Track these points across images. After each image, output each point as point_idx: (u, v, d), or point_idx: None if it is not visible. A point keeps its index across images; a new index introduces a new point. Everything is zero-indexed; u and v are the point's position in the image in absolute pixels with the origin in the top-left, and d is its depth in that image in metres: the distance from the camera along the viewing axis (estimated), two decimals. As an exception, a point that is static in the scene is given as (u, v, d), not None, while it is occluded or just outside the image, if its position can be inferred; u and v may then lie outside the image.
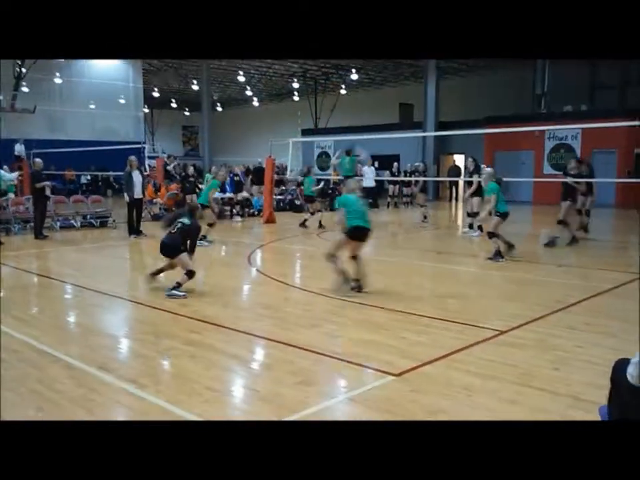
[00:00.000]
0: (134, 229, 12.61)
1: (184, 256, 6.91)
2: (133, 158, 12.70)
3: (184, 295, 6.72)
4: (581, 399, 3.82)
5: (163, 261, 7.18)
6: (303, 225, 14.15)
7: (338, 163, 14.10)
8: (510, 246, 9.30)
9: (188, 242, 7.01)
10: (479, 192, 12.29)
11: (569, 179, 11.32)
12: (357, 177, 16.07)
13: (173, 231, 6.92)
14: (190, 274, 6.81)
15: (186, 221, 6.96)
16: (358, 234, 6.88)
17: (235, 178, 18.06)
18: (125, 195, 12.57)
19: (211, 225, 11.54)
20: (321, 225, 13.96)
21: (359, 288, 6.89)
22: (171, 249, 6.89)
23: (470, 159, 13.94)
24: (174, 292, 6.73)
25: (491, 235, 9.36)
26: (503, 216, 9.34)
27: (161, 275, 7.24)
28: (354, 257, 6.97)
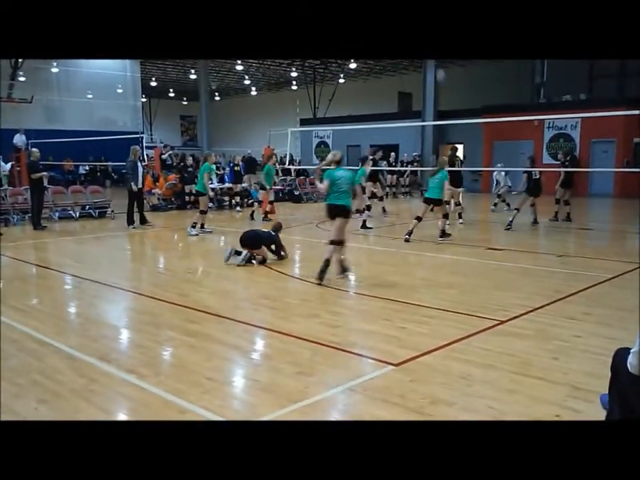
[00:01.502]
0: (133, 220, 12.58)
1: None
2: (136, 147, 12.65)
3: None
4: (580, 388, 3.84)
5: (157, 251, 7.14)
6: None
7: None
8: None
9: (272, 247, 8.41)
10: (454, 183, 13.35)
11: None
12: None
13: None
14: (202, 212, 11.34)
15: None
16: (329, 211, 6.97)
17: (235, 168, 17.88)
18: (132, 184, 12.35)
19: (203, 212, 11.51)
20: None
21: (343, 271, 6.99)
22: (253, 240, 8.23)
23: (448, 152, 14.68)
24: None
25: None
26: (426, 201, 10.46)
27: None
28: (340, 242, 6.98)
